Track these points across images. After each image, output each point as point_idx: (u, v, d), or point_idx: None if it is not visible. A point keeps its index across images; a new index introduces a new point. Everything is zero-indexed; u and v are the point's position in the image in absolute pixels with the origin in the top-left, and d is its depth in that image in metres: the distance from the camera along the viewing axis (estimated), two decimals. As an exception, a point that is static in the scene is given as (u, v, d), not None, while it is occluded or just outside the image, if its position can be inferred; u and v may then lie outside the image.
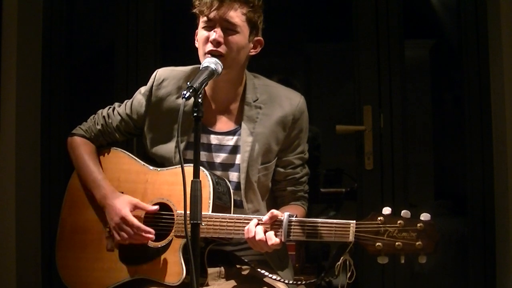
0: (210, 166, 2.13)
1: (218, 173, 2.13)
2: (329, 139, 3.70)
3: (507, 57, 3.01)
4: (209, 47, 2.06)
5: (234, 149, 2.14)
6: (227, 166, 2.14)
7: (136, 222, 2.03)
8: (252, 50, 2.17)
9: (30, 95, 3.35)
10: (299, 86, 3.52)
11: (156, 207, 2.07)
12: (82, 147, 2.23)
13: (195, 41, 2.18)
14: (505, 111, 2.99)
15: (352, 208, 3.63)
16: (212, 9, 2.06)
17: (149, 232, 2.03)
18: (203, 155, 2.13)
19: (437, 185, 5.99)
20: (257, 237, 1.89)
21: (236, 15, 2.08)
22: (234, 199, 2.09)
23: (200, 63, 2.05)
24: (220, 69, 2.00)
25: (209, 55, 2.05)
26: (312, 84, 6.59)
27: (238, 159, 2.13)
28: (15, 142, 3.19)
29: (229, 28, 2.07)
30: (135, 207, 2.07)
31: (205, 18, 2.09)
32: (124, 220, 2.04)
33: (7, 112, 3.19)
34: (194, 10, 2.13)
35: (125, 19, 3.45)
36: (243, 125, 2.14)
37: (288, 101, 2.19)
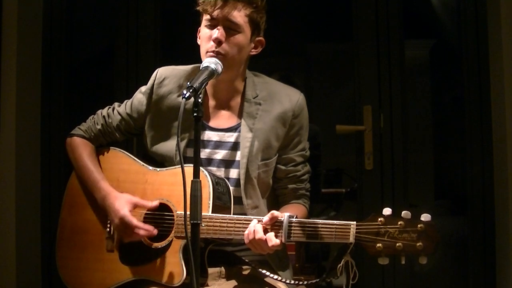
0: (211, 163, 2.14)
1: (219, 170, 2.13)
2: (329, 139, 3.70)
3: (507, 57, 3.01)
4: (211, 45, 2.07)
5: (235, 146, 2.14)
6: (228, 163, 2.14)
7: (134, 221, 2.03)
8: (253, 50, 2.18)
9: (30, 95, 3.35)
10: (299, 83, 3.52)
11: (157, 202, 2.06)
12: (81, 148, 2.23)
13: (198, 38, 2.18)
14: (505, 111, 2.99)
15: (352, 208, 3.64)
16: (216, 8, 2.07)
17: (148, 229, 2.03)
18: (204, 152, 2.14)
19: (437, 185, 6.00)
20: (257, 236, 1.89)
21: (239, 15, 2.08)
22: (234, 196, 2.09)
23: (201, 61, 2.05)
24: (220, 69, 2.00)
25: (211, 54, 2.05)
26: (312, 84, 6.59)
27: (239, 155, 2.13)
28: (15, 142, 3.19)
29: (231, 28, 2.08)
30: (135, 206, 2.07)
31: (208, 17, 2.10)
32: (123, 220, 2.04)
33: (7, 112, 3.19)
34: (197, 8, 2.13)
35: (125, 19, 3.45)
36: (243, 121, 2.14)
37: (288, 97, 2.20)
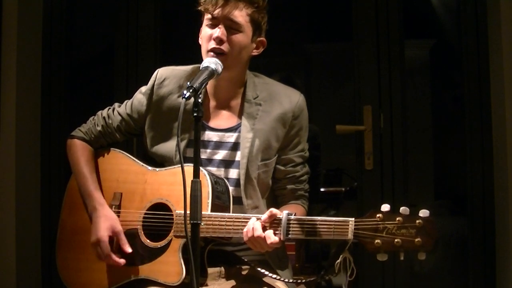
0: (211, 163, 2.14)
1: (219, 170, 2.13)
2: (329, 139, 3.70)
3: (507, 57, 3.01)
4: (212, 44, 2.07)
5: (235, 146, 2.15)
6: (228, 163, 2.14)
7: (107, 250, 2.06)
8: (254, 51, 2.18)
9: (30, 95, 3.35)
10: (300, 84, 3.52)
11: (122, 260, 2.06)
12: (80, 152, 2.23)
13: (199, 39, 2.18)
14: (505, 111, 2.99)
15: (352, 208, 3.64)
16: (217, 7, 2.07)
17: (117, 262, 2.05)
18: (204, 152, 2.14)
19: (437, 185, 6.00)
20: (256, 234, 1.89)
21: (240, 15, 2.09)
22: (233, 196, 2.09)
23: (202, 61, 2.05)
24: (220, 69, 2.00)
25: (212, 53, 2.06)
26: (312, 84, 6.59)
27: (239, 156, 2.13)
28: (15, 142, 3.19)
29: (232, 27, 2.09)
30: (114, 234, 2.08)
31: (209, 16, 2.10)
32: (98, 242, 2.07)
33: (7, 112, 3.19)
34: (198, 8, 2.13)
35: (125, 19, 3.45)
36: (243, 121, 2.15)
37: (288, 98, 2.20)
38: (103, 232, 2.07)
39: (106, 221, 2.09)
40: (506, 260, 3.01)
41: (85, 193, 2.17)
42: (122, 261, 2.06)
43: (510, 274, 2.96)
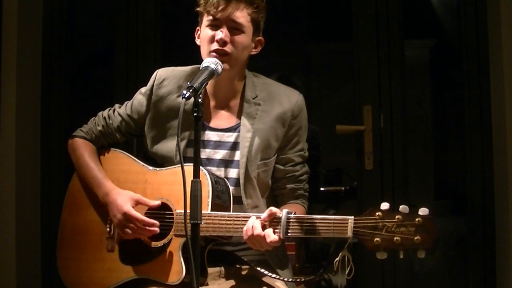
0: (211, 162, 2.15)
1: (218, 169, 2.14)
2: (329, 139, 3.70)
3: (507, 57, 3.01)
4: (215, 46, 2.08)
5: (234, 146, 2.15)
6: (227, 162, 2.15)
7: (139, 216, 2.03)
8: (253, 50, 2.19)
9: (30, 95, 3.35)
10: (299, 83, 3.52)
11: (158, 202, 2.06)
12: (82, 148, 2.24)
13: (196, 39, 2.18)
14: (505, 111, 2.99)
15: (352, 208, 3.64)
16: (219, 9, 2.07)
17: (153, 225, 2.02)
18: (204, 152, 2.14)
19: (437, 185, 5.99)
20: (255, 232, 1.90)
21: (242, 16, 2.10)
22: (233, 196, 2.09)
23: (201, 61, 2.05)
24: (220, 69, 2.00)
25: (214, 54, 2.06)
26: (312, 84, 6.59)
27: (238, 155, 2.14)
28: (15, 142, 3.19)
29: (235, 28, 2.10)
30: (137, 203, 2.07)
31: (210, 18, 2.10)
32: (126, 215, 2.04)
33: (7, 112, 3.19)
34: (198, 9, 2.14)
35: (125, 19, 3.45)
36: (243, 121, 2.15)
37: (287, 98, 2.21)
38: (126, 206, 2.05)
39: (124, 196, 2.08)
40: (506, 260, 3.01)
41: (93, 182, 2.16)
42: (156, 222, 2.02)
43: (510, 274, 2.97)
